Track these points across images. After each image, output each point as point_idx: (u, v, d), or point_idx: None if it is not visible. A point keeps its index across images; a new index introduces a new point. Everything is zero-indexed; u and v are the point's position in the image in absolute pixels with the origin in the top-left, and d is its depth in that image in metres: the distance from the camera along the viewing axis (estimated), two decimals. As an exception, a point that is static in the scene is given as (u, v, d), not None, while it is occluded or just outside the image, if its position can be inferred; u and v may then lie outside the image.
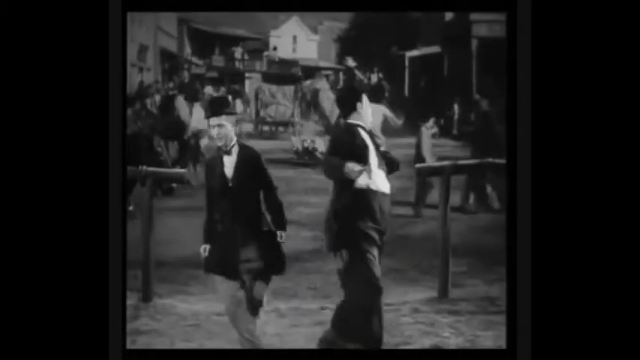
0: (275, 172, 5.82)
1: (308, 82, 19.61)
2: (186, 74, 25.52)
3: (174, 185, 8.60)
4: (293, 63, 27.25)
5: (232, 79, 26.97)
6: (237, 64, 28.25)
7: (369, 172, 5.47)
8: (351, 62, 26.31)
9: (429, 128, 13.10)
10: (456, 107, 19.90)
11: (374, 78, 25.17)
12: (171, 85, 22.53)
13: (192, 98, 16.00)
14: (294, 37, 29.95)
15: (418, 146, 12.82)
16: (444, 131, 20.30)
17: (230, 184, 5.45)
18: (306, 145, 17.48)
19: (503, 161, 6.00)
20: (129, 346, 5.82)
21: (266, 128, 23.75)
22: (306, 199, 13.29)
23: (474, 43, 22.34)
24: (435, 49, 23.89)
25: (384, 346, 5.60)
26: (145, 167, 7.85)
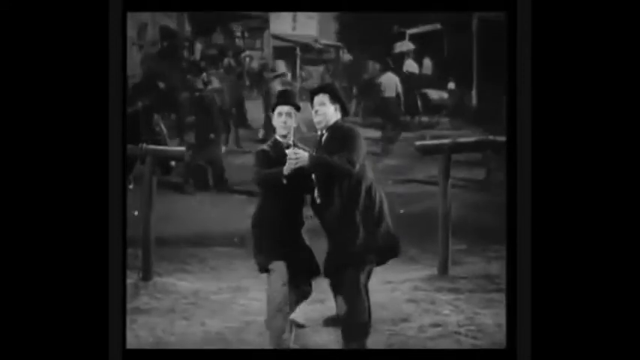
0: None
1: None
2: (186, 53, 25.41)
3: (172, 164, 8.57)
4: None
5: (234, 56, 26.88)
6: (237, 41, 28.16)
7: None
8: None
9: None
10: (452, 86, 19.77)
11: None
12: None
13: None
14: (294, 16, 29.80)
15: None
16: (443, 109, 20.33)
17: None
18: None
19: (503, 139, 5.98)
20: (129, 324, 5.84)
21: None
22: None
23: (475, 23, 22.21)
24: (435, 26, 23.78)
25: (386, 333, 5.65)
26: (144, 145, 7.84)
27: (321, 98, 5.46)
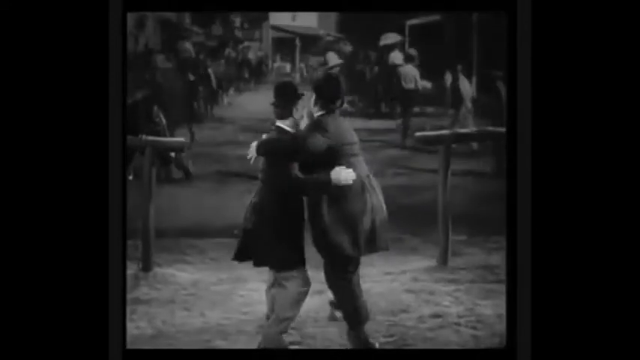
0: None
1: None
2: (185, 44, 25.40)
3: (172, 155, 8.55)
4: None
5: (234, 46, 26.87)
6: (236, 32, 28.15)
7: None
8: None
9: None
10: (449, 76, 19.87)
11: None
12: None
13: None
14: (294, 6, 29.75)
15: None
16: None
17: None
18: None
19: (503, 130, 5.99)
20: (129, 315, 5.85)
21: None
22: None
23: (475, 15, 22.18)
24: (435, 17, 23.76)
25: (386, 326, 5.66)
26: (144, 136, 7.85)
27: None
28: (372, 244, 5.40)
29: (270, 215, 5.27)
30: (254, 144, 5.28)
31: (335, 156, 5.23)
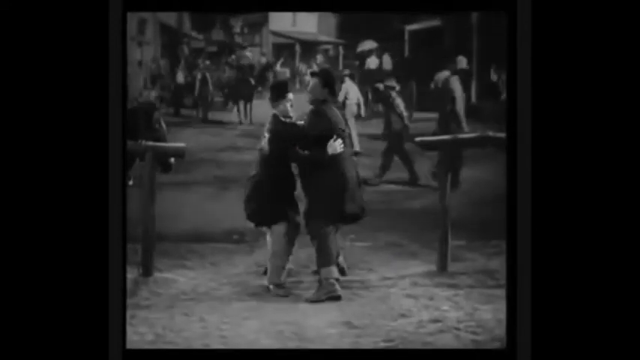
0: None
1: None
2: (185, 48, 25.37)
3: (172, 161, 8.50)
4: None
5: (231, 51, 26.82)
6: (236, 37, 28.12)
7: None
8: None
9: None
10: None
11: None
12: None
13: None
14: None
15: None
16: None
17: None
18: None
19: (503, 135, 5.99)
20: (129, 320, 5.84)
21: None
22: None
23: (474, 15, 22.15)
24: (435, 22, 23.74)
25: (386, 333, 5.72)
26: (144, 141, 7.83)
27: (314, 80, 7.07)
28: (350, 204, 6.88)
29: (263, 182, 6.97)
30: (266, 127, 6.97)
31: (330, 135, 6.79)
